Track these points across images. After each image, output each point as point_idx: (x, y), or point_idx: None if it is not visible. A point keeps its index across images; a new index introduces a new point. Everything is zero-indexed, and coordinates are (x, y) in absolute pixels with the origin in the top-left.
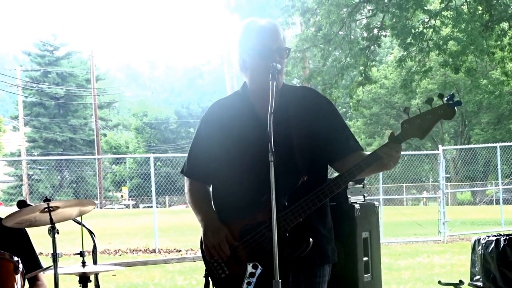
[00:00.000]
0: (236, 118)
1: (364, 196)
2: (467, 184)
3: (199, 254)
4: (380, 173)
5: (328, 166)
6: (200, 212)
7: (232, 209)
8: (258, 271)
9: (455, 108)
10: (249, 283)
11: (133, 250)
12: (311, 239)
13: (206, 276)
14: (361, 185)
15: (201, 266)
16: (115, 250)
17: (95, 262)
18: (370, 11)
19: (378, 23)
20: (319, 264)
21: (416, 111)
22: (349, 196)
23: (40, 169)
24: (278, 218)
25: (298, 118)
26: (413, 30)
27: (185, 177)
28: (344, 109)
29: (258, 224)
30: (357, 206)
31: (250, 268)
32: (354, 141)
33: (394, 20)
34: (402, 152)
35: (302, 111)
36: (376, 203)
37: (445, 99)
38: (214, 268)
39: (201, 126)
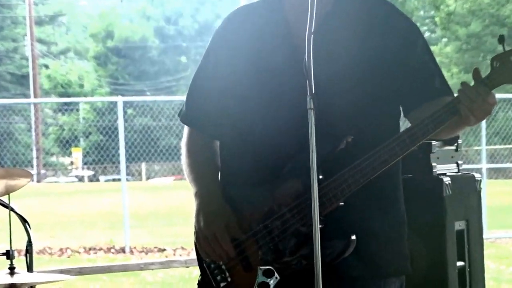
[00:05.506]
0: (261, 40)
1: (458, 165)
2: None
3: (193, 256)
4: (483, 129)
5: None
6: (196, 181)
7: (242, 181)
8: (273, 280)
9: None
10: None
11: (90, 249)
12: (353, 236)
13: (199, 285)
14: (454, 147)
15: (196, 274)
16: (61, 249)
17: (30, 268)
18: None
19: None
20: (367, 277)
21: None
22: (433, 163)
23: None
24: (305, 201)
25: (356, 44)
26: None
27: (185, 125)
28: (425, 27)
29: (278, 207)
30: (446, 180)
31: (261, 276)
32: (440, 82)
33: None
34: None
35: (364, 32)
36: (477, 175)
37: None
38: (210, 273)
39: (212, 46)
